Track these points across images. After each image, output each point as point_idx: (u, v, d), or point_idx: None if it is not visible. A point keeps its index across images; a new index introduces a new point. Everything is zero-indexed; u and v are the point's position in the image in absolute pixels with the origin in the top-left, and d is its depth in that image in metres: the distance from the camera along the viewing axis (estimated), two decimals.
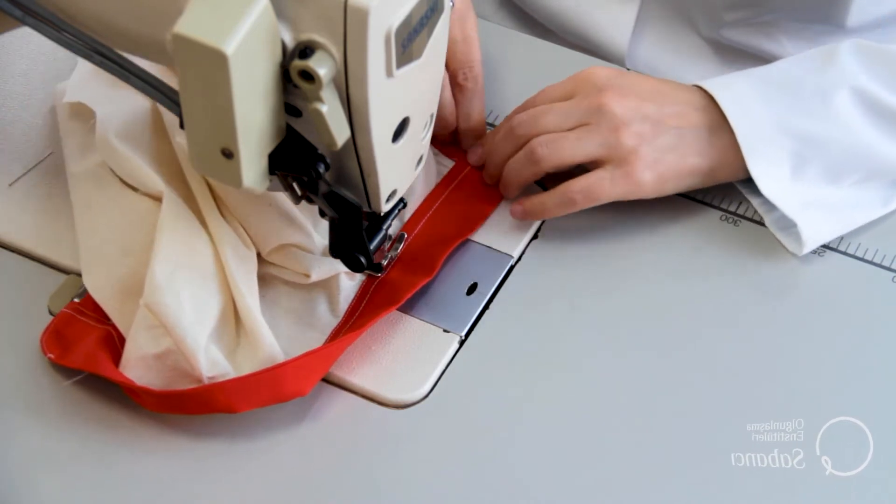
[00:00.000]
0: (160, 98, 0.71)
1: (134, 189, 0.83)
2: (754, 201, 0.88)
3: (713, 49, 1.07)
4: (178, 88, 0.67)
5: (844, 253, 0.87)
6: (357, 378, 0.78)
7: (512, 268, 0.86)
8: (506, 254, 0.86)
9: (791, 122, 0.85)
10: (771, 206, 0.87)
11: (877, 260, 0.86)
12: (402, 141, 0.73)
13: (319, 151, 0.70)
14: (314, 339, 0.80)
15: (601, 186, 0.83)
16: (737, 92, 0.86)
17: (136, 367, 0.75)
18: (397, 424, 0.77)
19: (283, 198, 0.82)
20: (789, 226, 0.86)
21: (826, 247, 0.87)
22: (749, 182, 0.86)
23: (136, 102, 0.87)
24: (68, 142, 0.88)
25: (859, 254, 0.87)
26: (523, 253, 0.87)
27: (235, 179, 0.68)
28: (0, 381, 0.78)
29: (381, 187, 0.73)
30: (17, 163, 0.91)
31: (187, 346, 0.74)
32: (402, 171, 0.76)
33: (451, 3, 0.71)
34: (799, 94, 0.86)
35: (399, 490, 0.75)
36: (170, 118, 0.85)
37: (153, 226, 0.80)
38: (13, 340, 0.80)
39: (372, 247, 0.79)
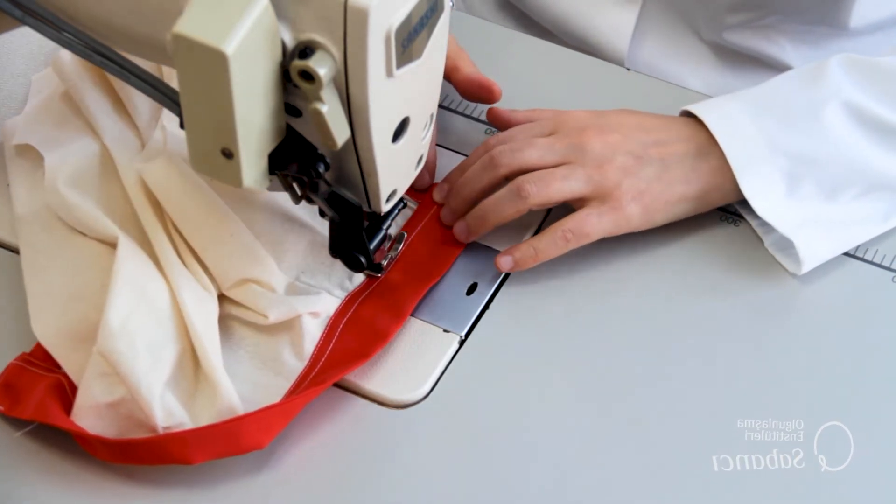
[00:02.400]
0: (160, 98, 0.71)
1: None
2: (753, 222, 0.87)
3: (714, 52, 1.07)
4: (177, 88, 0.67)
5: (845, 253, 0.86)
6: (357, 378, 0.78)
7: None
8: None
9: (782, 139, 0.84)
10: (768, 228, 0.86)
11: (877, 260, 0.86)
12: (403, 141, 0.73)
13: (319, 151, 0.70)
14: (278, 386, 0.77)
15: (589, 223, 0.82)
16: (725, 113, 0.85)
17: (89, 416, 0.73)
18: (397, 424, 0.77)
19: (244, 229, 0.81)
20: (787, 246, 0.85)
21: None
22: (746, 203, 0.85)
23: (85, 144, 0.85)
24: (15, 183, 0.85)
25: (859, 254, 0.87)
26: None
27: (236, 179, 0.68)
28: None
29: (381, 187, 0.73)
30: None
31: (142, 394, 0.72)
32: (402, 171, 0.76)
33: (451, 3, 0.70)
34: (788, 111, 0.85)
35: (399, 490, 0.75)
36: (121, 159, 0.84)
37: (104, 269, 0.78)
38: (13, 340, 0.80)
39: (372, 247, 0.79)
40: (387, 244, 0.84)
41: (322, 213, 0.78)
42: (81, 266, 0.80)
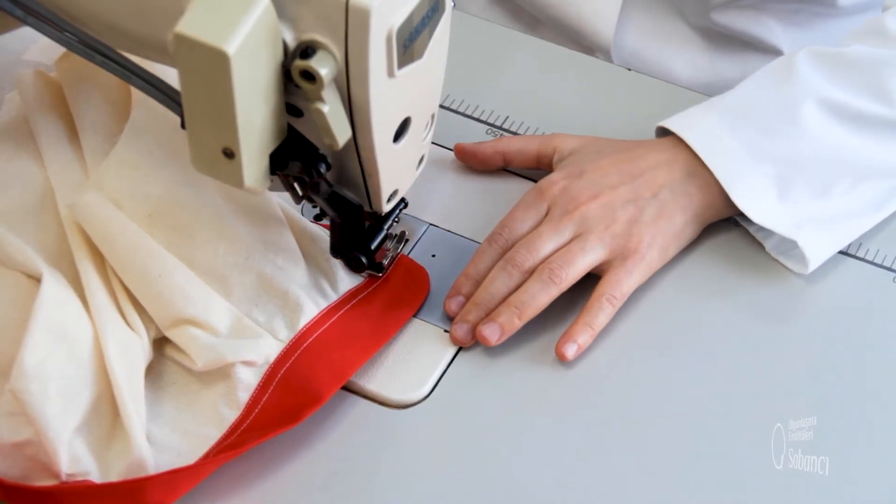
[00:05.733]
0: (161, 98, 0.71)
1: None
2: (751, 228, 0.87)
3: (701, 35, 1.06)
4: (179, 88, 0.67)
5: (845, 253, 0.87)
6: (358, 378, 0.78)
7: None
8: None
9: (765, 147, 0.84)
10: (768, 232, 0.86)
11: (877, 260, 0.86)
12: (404, 141, 0.73)
13: (321, 151, 0.70)
14: (208, 437, 0.75)
15: (625, 282, 0.82)
16: (704, 129, 0.85)
17: None
18: (398, 424, 0.77)
19: (176, 266, 0.77)
20: (790, 248, 0.85)
21: None
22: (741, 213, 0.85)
23: (32, 174, 0.82)
24: None
25: (860, 254, 0.87)
26: None
27: (237, 179, 0.68)
28: None
29: (382, 187, 0.73)
30: None
31: (48, 438, 0.70)
32: (403, 171, 0.76)
33: (452, 3, 0.70)
34: (766, 117, 0.85)
35: (399, 490, 0.75)
36: (61, 193, 0.80)
37: (27, 304, 0.74)
38: None
39: (373, 247, 0.79)
40: (388, 244, 0.85)
41: (323, 213, 0.78)
42: (3, 299, 0.76)
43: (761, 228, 0.86)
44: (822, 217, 0.84)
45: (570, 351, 0.80)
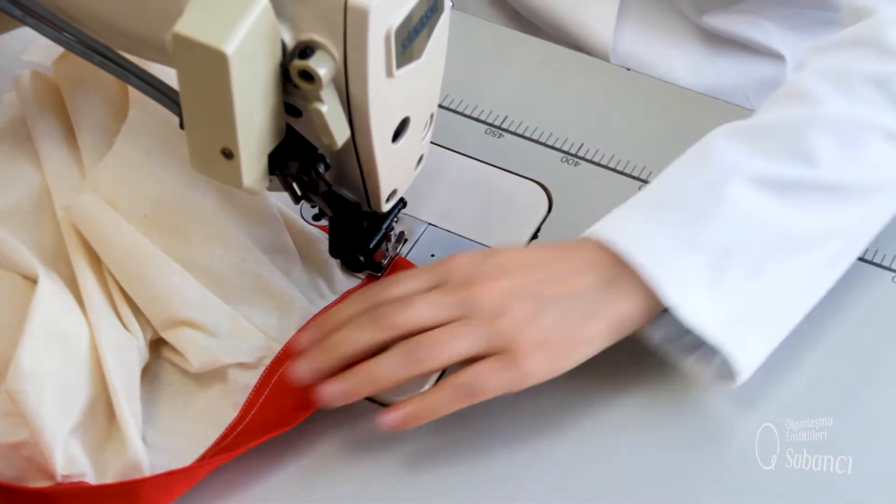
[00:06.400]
0: (160, 98, 0.71)
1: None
2: (687, 361, 0.78)
3: (699, 38, 1.06)
4: (178, 88, 0.67)
5: None
6: None
7: None
8: None
9: (693, 235, 0.74)
10: (707, 361, 0.76)
11: (877, 260, 0.86)
12: (402, 141, 0.73)
13: (319, 151, 0.70)
14: (203, 438, 0.75)
15: (485, 379, 0.72)
16: (628, 228, 0.76)
17: None
18: None
19: (173, 269, 0.76)
20: (712, 357, 0.76)
21: None
22: (670, 334, 0.77)
23: (29, 176, 0.82)
24: None
25: (860, 254, 0.86)
26: None
27: (236, 179, 0.68)
28: None
29: (381, 187, 0.73)
30: None
31: (44, 439, 0.70)
32: (402, 171, 0.76)
33: (451, 3, 0.70)
34: (690, 204, 0.76)
35: (399, 490, 0.75)
36: (57, 194, 0.80)
37: (24, 305, 0.74)
38: None
39: (372, 246, 0.79)
40: (387, 244, 0.85)
41: (322, 213, 0.78)
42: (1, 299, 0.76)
43: (699, 358, 0.77)
44: (756, 306, 0.76)
45: (392, 421, 0.73)
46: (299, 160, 0.70)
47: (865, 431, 0.77)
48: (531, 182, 0.91)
